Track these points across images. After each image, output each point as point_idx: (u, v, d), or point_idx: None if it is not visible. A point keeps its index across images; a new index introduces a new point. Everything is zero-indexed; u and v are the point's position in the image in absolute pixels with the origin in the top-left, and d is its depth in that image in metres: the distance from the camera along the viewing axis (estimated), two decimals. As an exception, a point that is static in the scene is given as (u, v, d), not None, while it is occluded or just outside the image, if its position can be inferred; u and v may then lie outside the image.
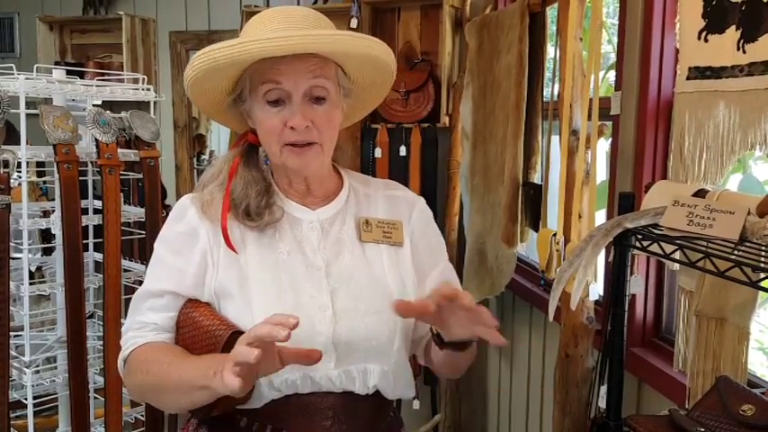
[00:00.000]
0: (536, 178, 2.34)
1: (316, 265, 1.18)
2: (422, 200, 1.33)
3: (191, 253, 1.17)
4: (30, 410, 1.90)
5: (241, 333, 1.07)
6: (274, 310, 1.06)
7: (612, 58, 2.32)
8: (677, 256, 1.15)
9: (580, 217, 1.86)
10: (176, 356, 1.13)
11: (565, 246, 1.91)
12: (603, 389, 1.31)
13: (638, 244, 1.22)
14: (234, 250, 1.16)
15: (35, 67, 1.85)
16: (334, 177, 1.27)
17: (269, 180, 1.22)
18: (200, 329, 1.14)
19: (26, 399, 1.90)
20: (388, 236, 1.24)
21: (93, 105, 1.94)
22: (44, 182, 2.82)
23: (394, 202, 1.29)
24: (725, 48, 1.38)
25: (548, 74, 2.30)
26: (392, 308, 1.07)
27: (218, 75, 1.13)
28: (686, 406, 1.34)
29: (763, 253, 1.01)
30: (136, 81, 2.06)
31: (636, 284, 1.66)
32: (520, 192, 2.27)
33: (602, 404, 1.32)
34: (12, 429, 1.96)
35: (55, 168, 1.82)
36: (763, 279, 0.92)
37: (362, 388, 1.17)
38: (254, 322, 1.06)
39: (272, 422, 1.14)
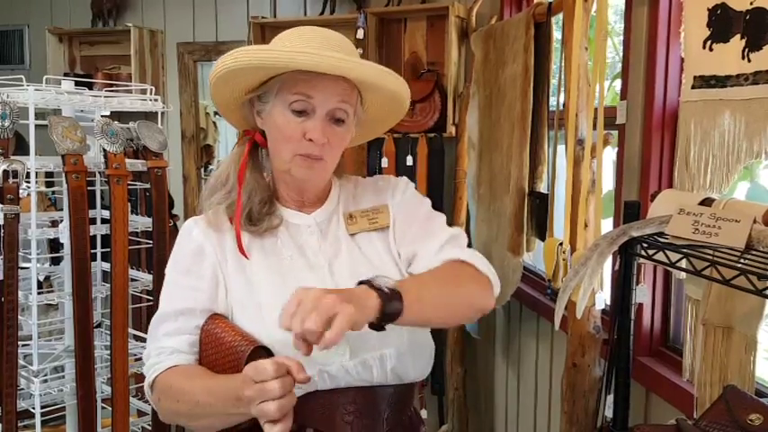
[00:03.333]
0: (542, 187, 2.34)
1: (318, 265, 1.23)
2: (403, 178, 1.37)
3: (200, 269, 1.22)
4: (37, 420, 1.91)
5: (263, 348, 1.13)
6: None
7: (618, 66, 2.32)
8: (683, 264, 1.14)
9: (586, 226, 1.86)
10: (202, 380, 1.15)
11: (571, 255, 1.91)
12: (610, 398, 1.31)
13: (643, 253, 1.22)
14: (245, 255, 1.21)
15: (44, 78, 1.87)
16: (325, 186, 1.32)
17: (271, 188, 1.28)
18: (222, 345, 1.16)
19: (34, 408, 1.91)
20: (374, 221, 1.29)
21: (102, 116, 1.95)
22: (53, 192, 2.83)
23: (377, 188, 1.34)
24: (730, 57, 1.38)
25: (553, 83, 2.31)
26: None
27: (252, 73, 1.18)
28: (694, 415, 1.33)
29: (769, 261, 1.00)
30: (144, 92, 2.08)
31: (642, 294, 1.66)
32: (526, 201, 2.27)
33: (609, 414, 1.32)
34: (19, 439, 1.96)
35: (63, 178, 1.83)
36: (770, 287, 0.92)
37: (381, 374, 1.18)
38: (266, 326, 1.14)
39: (294, 421, 1.13)
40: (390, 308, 1.03)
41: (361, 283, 1.07)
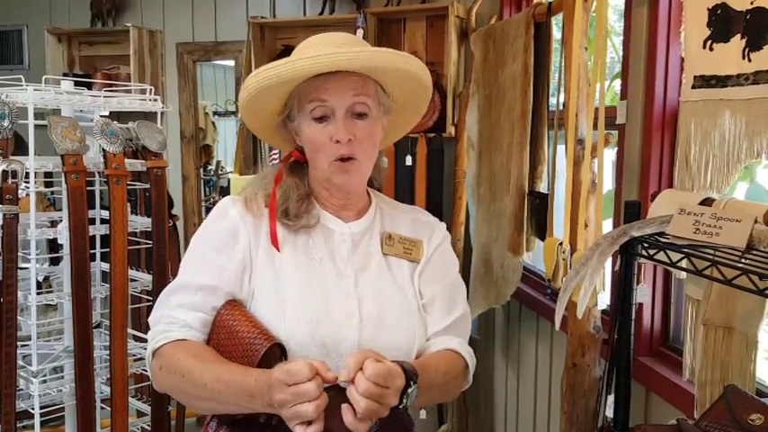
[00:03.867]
0: (542, 187, 2.34)
1: (345, 273, 1.25)
2: (443, 225, 1.41)
3: (232, 251, 1.22)
4: (36, 420, 1.91)
5: (278, 345, 1.13)
6: (305, 310, 1.18)
7: (618, 67, 2.32)
8: (684, 264, 1.14)
9: (586, 226, 1.85)
10: (214, 365, 1.14)
11: (571, 255, 1.91)
12: (611, 398, 1.31)
13: (644, 252, 1.22)
14: (277, 247, 1.22)
15: (43, 78, 1.87)
16: (366, 197, 1.35)
17: (309, 190, 1.30)
18: (237, 335, 1.15)
19: (33, 408, 1.90)
20: (409, 252, 1.31)
21: (101, 116, 1.95)
22: (52, 192, 2.83)
23: (417, 223, 1.36)
24: (730, 56, 1.38)
25: (553, 83, 2.31)
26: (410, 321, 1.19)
27: (269, 95, 1.22)
28: (694, 415, 1.33)
29: (769, 261, 1.00)
30: (143, 92, 2.08)
31: (642, 294, 1.66)
32: (526, 201, 2.27)
33: (610, 414, 1.32)
34: (18, 439, 1.96)
35: (63, 179, 1.83)
36: (771, 287, 0.91)
37: None
38: (285, 320, 1.16)
39: None
40: (411, 397, 1.08)
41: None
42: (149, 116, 2.15)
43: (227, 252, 1.23)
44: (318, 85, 1.19)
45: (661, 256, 1.18)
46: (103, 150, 1.87)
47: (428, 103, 1.36)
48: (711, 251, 1.09)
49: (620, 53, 1.94)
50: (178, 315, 1.20)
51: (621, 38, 1.89)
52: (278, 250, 1.23)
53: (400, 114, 1.34)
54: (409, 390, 1.07)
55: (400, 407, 1.07)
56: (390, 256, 1.30)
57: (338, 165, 1.22)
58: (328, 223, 1.29)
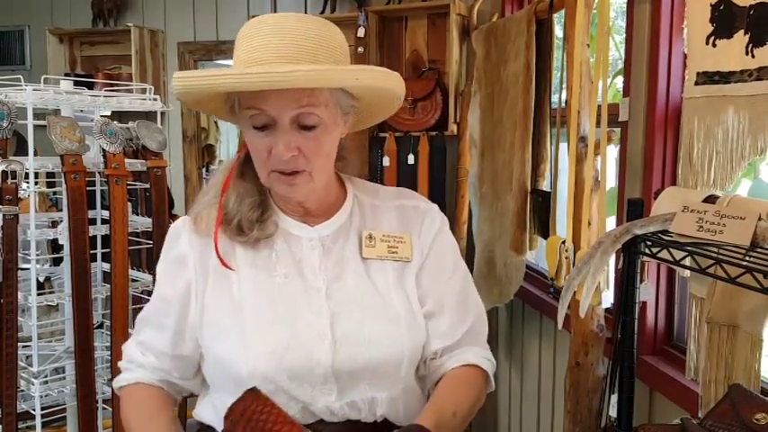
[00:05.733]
0: (544, 186, 2.32)
1: (315, 287, 1.10)
2: (434, 208, 1.24)
3: (175, 280, 1.13)
4: (38, 421, 1.90)
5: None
6: (268, 339, 1.04)
7: (619, 64, 2.30)
8: (687, 262, 1.13)
9: (589, 224, 1.84)
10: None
11: (574, 253, 1.90)
12: (614, 398, 1.29)
13: (647, 251, 1.21)
14: (227, 266, 1.09)
15: (42, 78, 1.86)
16: (336, 189, 1.19)
17: (265, 193, 1.15)
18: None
19: (34, 410, 1.90)
20: (394, 251, 1.15)
21: (101, 116, 1.95)
22: (54, 193, 2.83)
23: (404, 213, 1.20)
24: (733, 52, 1.37)
25: (555, 81, 2.29)
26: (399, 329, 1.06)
27: (196, 96, 1.08)
28: (699, 414, 1.32)
29: (774, 259, 0.99)
30: (143, 91, 2.07)
31: (646, 292, 1.65)
32: (528, 199, 2.26)
33: (613, 413, 1.31)
34: (20, 440, 1.96)
35: (62, 178, 1.83)
36: (776, 285, 0.90)
37: (369, 417, 1.10)
38: (246, 354, 1.03)
39: None
40: None
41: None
42: (150, 116, 2.14)
43: (171, 281, 1.14)
44: (256, 92, 1.02)
45: (664, 254, 1.17)
46: (103, 150, 1.87)
47: (400, 102, 1.18)
48: (715, 249, 1.08)
49: (622, 50, 1.93)
50: (135, 356, 1.17)
51: (623, 35, 1.88)
52: (229, 268, 1.09)
53: (369, 108, 1.17)
54: None
55: None
56: (371, 259, 1.14)
57: (278, 176, 1.07)
58: (292, 229, 1.14)
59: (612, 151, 1.98)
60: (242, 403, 0.97)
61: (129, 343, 1.21)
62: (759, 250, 1.03)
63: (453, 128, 3.02)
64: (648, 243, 1.19)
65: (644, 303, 1.70)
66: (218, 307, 1.09)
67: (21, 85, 1.78)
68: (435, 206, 1.24)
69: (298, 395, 1.05)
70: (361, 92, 1.11)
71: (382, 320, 1.10)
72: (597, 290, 1.71)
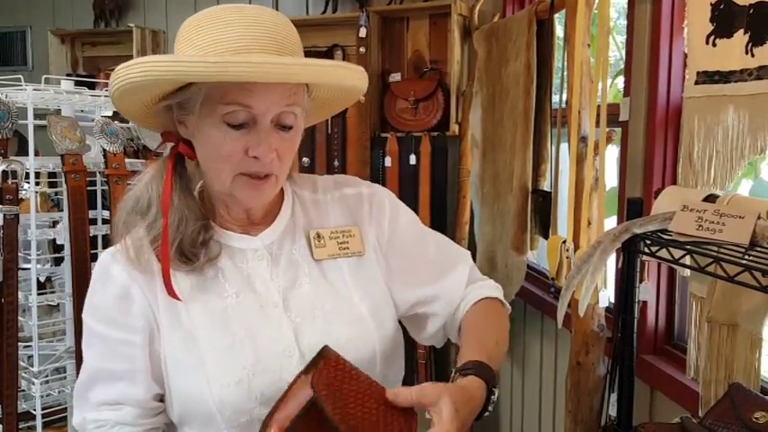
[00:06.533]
0: (545, 186, 2.32)
1: (271, 301, 1.02)
2: (380, 192, 1.15)
3: (129, 319, 0.99)
4: (38, 421, 1.90)
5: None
6: (231, 369, 0.96)
7: (620, 64, 2.30)
8: (687, 261, 1.13)
9: (589, 224, 1.84)
10: None
11: (575, 253, 1.90)
12: (614, 397, 1.29)
13: (646, 249, 1.21)
14: (177, 297, 0.98)
15: (43, 78, 1.87)
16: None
17: (204, 210, 1.04)
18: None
19: (35, 410, 1.90)
20: (345, 246, 1.08)
21: (102, 116, 1.95)
22: (55, 193, 2.83)
23: (346, 203, 1.13)
24: (733, 52, 1.37)
25: (556, 81, 2.29)
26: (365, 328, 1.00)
27: (165, 84, 0.95)
28: (699, 413, 1.32)
29: (774, 257, 0.99)
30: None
31: (646, 291, 1.64)
32: (529, 199, 2.26)
33: (613, 412, 1.31)
34: (22, 440, 1.96)
35: (63, 178, 1.83)
36: (774, 283, 0.90)
37: None
38: (210, 388, 0.95)
39: None
40: (494, 394, 0.96)
41: (460, 371, 0.95)
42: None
43: (124, 323, 0.99)
44: (242, 85, 0.92)
45: (664, 253, 1.17)
46: (104, 150, 1.87)
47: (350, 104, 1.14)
48: (715, 248, 1.08)
49: (623, 51, 1.92)
50: (105, 417, 1.01)
51: (624, 35, 1.88)
52: (178, 299, 0.98)
53: (314, 112, 1.10)
54: (492, 396, 0.95)
55: (485, 414, 0.94)
56: (324, 260, 1.06)
57: (247, 180, 0.97)
58: (234, 243, 1.04)
59: (613, 151, 1.98)
60: (324, 371, 0.88)
61: (83, 412, 1.03)
62: (758, 249, 1.03)
63: (455, 128, 3.02)
64: (648, 242, 1.19)
65: (644, 303, 1.70)
66: (172, 338, 0.99)
67: (21, 85, 1.78)
68: (379, 188, 1.16)
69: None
70: (322, 93, 1.06)
71: (347, 324, 1.04)
72: (595, 289, 1.71)
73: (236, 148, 0.95)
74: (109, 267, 1.01)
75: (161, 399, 1.04)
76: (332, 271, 1.07)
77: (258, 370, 0.97)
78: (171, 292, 0.97)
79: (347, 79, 1.02)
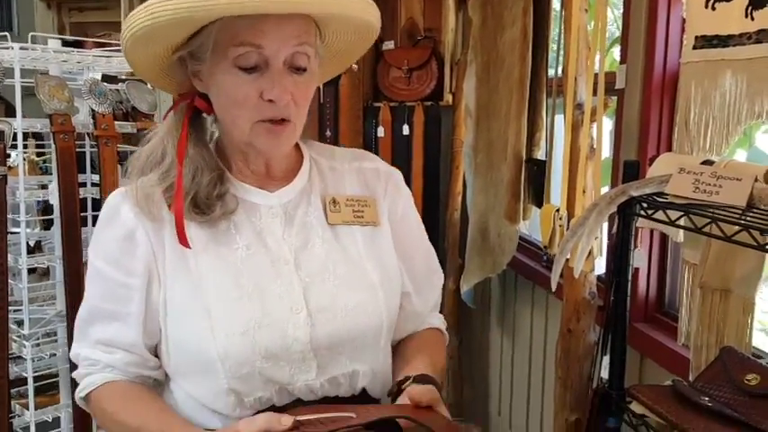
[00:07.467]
0: (539, 155, 2.31)
1: (282, 258, 1.01)
2: (397, 173, 1.16)
3: (131, 262, 0.99)
4: (30, 385, 1.89)
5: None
6: (237, 320, 0.96)
7: (617, 33, 2.28)
8: (683, 223, 1.13)
9: (584, 192, 1.84)
10: (143, 418, 0.99)
11: (568, 221, 1.90)
12: (606, 359, 1.30)
13: (642, 212, 1.20)
14: (188, 245, 0.97)
15: (30, 35, 1.83)
16: (294, 151, 1.09)
17: (220, 163, 1.04)
18: None
19: (26, 373, 1.89)
20: (360, 215, 1.08)
21: (91, 77, 1.92)
22: (44, 161, 2.80)
23: (364, 175, 1.12)
24: (732, 15, 1.35)
25: (553, 48, 2.27)
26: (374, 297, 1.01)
27: (176, 27, 0.92)
28: (689, 379, 1.33)
29: (769, 219, 0.98)
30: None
31: (639, 258, 1.65)
32: (523, 168, 2.25)
33: (605, 375, 1.31)
34: (13, 406, 1.95)
35: (51, 140, 1.80)
36: (772, 242, 0.90)
37: (349, 391, 1.04)
38: (215, 337, 0.95)
39: None
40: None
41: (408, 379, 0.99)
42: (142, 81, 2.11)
43: (126, 265, 0.99)
44: (251, 24, 0.91)
45: (660, 216, 1.17)
46: (92, 111, 1.84)
47: (363, 52, 1.11)
48: (711, 210, 1.08)
49: (619, 21, 1.91)
50: (97, 357, 1.02)
51: (620, 7, 1.86)
52: (188, 246, 0.97)
53: (327, 65, 1.09)
54: None
55: None
56: (338, 225, 1.06)
57: (266, 127, 0.96)
58: (250, 198, 1.03)
59: (607, 123, 1.97)
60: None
61: (80, 346, 1.05)
62: (755, 211, 1.02)
63: (449, 98, 2.99)
64: (644, 205, 1.19)
65: (636, 271, 1.71)
66: (177, 286, 0.99)
67: (7, 44, 1.74)
68: (397, 171, 1.17)
69: (274, 376, 0.97)
70: (335, 37, 1.05)
71: (357, 290, 1.03)
72: (590, 256, 1.72)
73: (250, 91, 0.94)
74: (119, 207, 1.01)
75: (154, 352, 1.04)
76: (346, 236, 1.06)
77: (264, 324, 0.97)
78: (183, 240, 0.97)
79: (362, 12, 0.99)
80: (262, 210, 1.04)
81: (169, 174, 1.00)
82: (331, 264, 1.03)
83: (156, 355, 1.04)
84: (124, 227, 1.00)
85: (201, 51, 0.96)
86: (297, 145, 1.10)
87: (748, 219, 1.00)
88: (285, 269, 1.01)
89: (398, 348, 1.13)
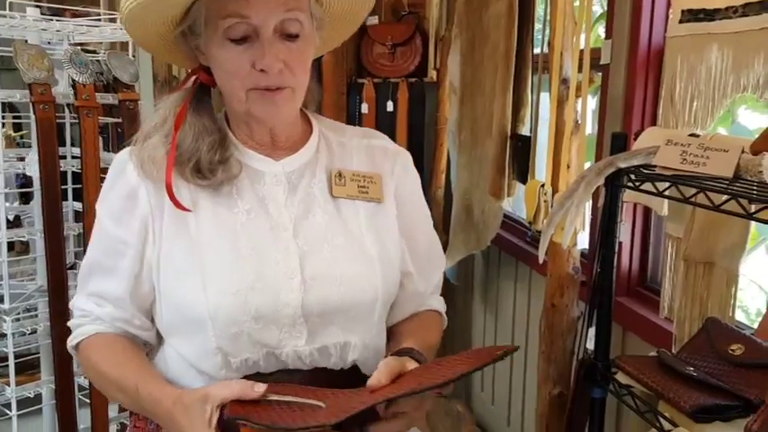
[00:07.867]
0: (524, 130, 2.32)
1: (281, 224, 1.02)
2: (406, 154, 1.16)
3: (130, 219, 1.02)
4: (11, 360, 1.87)
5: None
6: (231, 279, 0.97)
7: (602, 10, 2.28)
8: (669, 193, 1.13)
9: (569, 167, 1.84)
10: (124, 374, 1.01)
11: (553, 196, 1.90)
12: (591, 331, 1.31)
13: (630, 184, 1.21)
14: (182, 208, 0.99)
15: (7, 2, 1.78)
16: (302, 123, 1.10)
17: (224, 130, 1.05)
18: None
19: (6, 348, 1.87)
20: (365, 191, 1.08)
21: (70, 44, 1.87)
22: (21, 136, 2.75)
23: (373, 152, 1.13)
24: (720, -12, 1.35)
25: (538, 26, 2.27)
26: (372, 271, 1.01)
27: (165, 3, 0.95)
28: (672, 351, 1.34)
29: (755, 189, 0.99)
30: (114, 21, 1.99)
31: (623, 232, 1.66)
32: (508, 144, 2.25)
33: (591, 346, 1.32)
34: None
35: (31, 110, 1.76)
36: (761, 210, 0.91)
37: (339, 363, 1.03)
38: (207, 294, 0.96)
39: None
40: None
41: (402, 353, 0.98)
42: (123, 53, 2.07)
43: (126, 222, 1.02)
44: None
45: (647, 187, 1.17)
46: (73, 81, 1.80)
47: (369, 12, 1.10)
48: (698, 182, 1.08)
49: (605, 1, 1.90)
50: (90, 308, 1.05)
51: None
52: (183, 209, 0.99)
53: (333, 28, 1.09)
54: None
55: None
56: (341, 198, 1.06)
57: (259, 93, 0.98)
58: (255, 164, 1.05)
59: (590, 102, 1.97)
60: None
61: (77, 297, 1.09)
62: (741, 181, 1.03)
63: (433, 74, 2.97)
64: (632, 176, 1.19)
65: (620, 245, 1.71)
66: (175, 245, 1.00)
67: (-16, 12, 1.70)
68: (406, 152, 1.17)
69: (263, 338, 0.98)
70: (334, 3, 1.05)
71: (354, 261, 1.03)
72: (574, 231, 1.72)
73: (241, 63, 0.96)
74: (125, 165, 1.03)
75: (150, 314, 1.06)
76: (347, 210, 1.07)
77: (258, 287, 0.98)
78: (175, 202, 0.99)
79: None
80: (266, 177, 1.05)
81: (168, 138, 1.02)
82: (330, 234, 1.03)
83: (152, 319, 1.06)
84: (128, 185, 1.03)
85: (197, 26, 0.98)
86: (306, 118, 1.11)
87: (735, 190, 1.00)
88: (283, 235, 1.02)
89: (395, 328, 1.13)
